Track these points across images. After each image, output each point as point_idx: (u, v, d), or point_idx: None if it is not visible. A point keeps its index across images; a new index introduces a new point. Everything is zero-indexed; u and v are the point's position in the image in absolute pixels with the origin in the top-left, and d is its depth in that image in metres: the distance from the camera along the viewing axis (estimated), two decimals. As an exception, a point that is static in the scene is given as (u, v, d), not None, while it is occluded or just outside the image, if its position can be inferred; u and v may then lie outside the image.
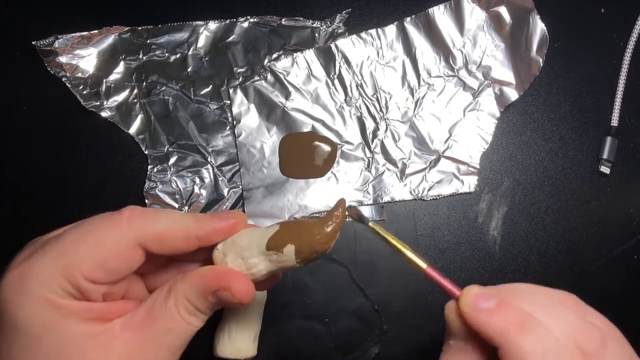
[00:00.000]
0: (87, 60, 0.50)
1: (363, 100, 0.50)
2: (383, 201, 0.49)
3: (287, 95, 0.50)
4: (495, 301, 0.25)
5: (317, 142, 0.50)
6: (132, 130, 0.49)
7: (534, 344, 0.23)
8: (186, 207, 0.48)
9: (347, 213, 0.29)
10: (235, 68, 0.51)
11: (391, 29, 0.51)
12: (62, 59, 0.49)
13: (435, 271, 0.28)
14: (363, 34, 0.51)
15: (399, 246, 0.28)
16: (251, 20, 0.52)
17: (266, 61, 0.51)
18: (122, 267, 0.26)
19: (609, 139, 0.49)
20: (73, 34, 0.50)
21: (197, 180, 0.49)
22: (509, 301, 0.25)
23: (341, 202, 0.29)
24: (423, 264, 0.28)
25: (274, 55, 0.51)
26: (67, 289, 0.25)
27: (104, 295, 0.27)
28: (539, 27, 0.49)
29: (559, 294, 0.26)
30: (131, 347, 0.26)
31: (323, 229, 0.28)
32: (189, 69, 0.51)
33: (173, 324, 0.27)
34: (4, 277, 0.25)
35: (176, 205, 0.48)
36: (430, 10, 0.50)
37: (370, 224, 0.30)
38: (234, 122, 0.50)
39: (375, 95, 0.50)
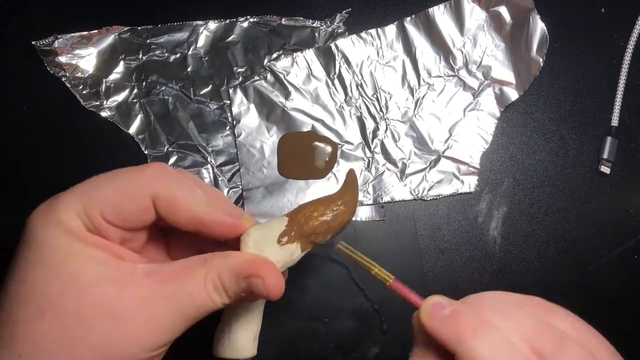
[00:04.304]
0: (86, 60, 0.50)
1: (363, 100, 0.50)
2: (383, 201, 0.49)
3: (287, 95, 0.50)
4: (450, 309, 0.26)
5: (317, 143, 0.50)
6: (132, 130, 0.49)
7: (486, 348, 0.24)
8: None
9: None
10: (235, 68, 0.51)
11: (391, 29, 0.51)
12: (62, 59, 0.49)
13: (401, 284, 0.29)
14: (363, 34, 0.51)
15: (366, 263, 0.31)
16: (251, 20, 0.52)
17: (266, 61, 0.51)
18: (135, 216, 0.28)
19: (609, 139, 0.49)
20: (73, 34, 0.49)
21: (197, 180, 0.49)
22: (466, 308, 0.26)
23: (351, 173, 0.33)
24: (389, 278, 0.30)
25: (274, 55, 0.51)
26: (87, 224, 0.27)
27: (122, 243, 0.29)
28: (539, 27, 0.49)
29: (520, 298, 0.27)
30: (146, 295, 0.27)
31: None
32: (188, 69, 0.51)
33: (195, 291, 0.28)
34: (36, 208, 0.28)
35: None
36: (430, 10, 0.50)
37: (338, 245, 0.32)
38: (234, 122, 0.50)
39: (375, 95, 0.50)
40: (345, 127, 0.50)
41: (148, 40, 0.51)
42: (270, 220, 0.31)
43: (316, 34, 0.52)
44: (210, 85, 0.51)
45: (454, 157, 0.49)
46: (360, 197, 0.49)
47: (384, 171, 0.49)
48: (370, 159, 0.49)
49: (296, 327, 0.46)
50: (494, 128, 0.50)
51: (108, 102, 0.49)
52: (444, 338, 0.26)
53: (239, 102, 0.50)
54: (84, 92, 0.49)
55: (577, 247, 0.48)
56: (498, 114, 0.50)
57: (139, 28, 0.51)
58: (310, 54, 0.51)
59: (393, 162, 0.49)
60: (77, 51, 0.50)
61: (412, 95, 0.51)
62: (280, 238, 0.30)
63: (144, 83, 0.50)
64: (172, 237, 0.34)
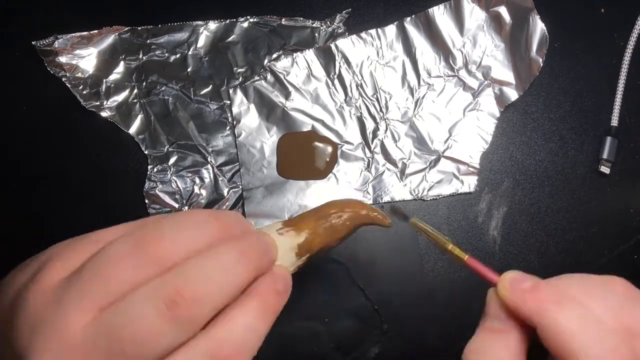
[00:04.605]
0: (87, 60, 0.50)
1: (363, 100, 0.50)
2: (383, 201, 0.49)
3: (287, 95, 0.50)
4: (531, 283, 0.25)
5: (317, 143, 0.50)
6: (132, 130, 0.49)
7: (570, 320, 0.23)
8: (186, 207, 0.48)
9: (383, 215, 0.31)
10: (235, 68, 0.51)
11: (391, 29, 0.51)
12: (62, 59, 0.49)
13: (476, 261, 0.29)
14: (363, 34, 0.51)
15: (441, 238, 0.30)
16: (251, 20, 0.52)
17: (266, 61, 0.51)
18: None
19: (609, 139, 0.49)
20: (73, 34, 0.50)
21: (197, 180, 0.49)
22: (547, 283, 0.25)
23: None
24: (463, 255, 0.29)
25: (274, 55, 0.51)
26: None
27: None
28: (538, 27, 0.49)
29: (602, 278, 0.26)
30: None
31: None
32: (188, 69, 0.51)
33: None
34: None
35: (176, 205, 0.48)
36: (430, 10, 0.50)
37: (412, 220, 0.31)
38: (234, 122, 0.50)
39: (375, 95, 0.50)
40: (345, 127, 0.50)
41: (148, 41, 0.51)
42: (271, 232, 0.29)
43: (316, 34, 0.52)
44: (211, 86, 0.51)
45: (453, 157, 0.49)
46: (360, 197, 0.49)
47: (384, 171, 0.49)
48: (370, 159, 0.49)
49: (296, 327, 0.46)
50: (493, 128, 0.50)
51: (108, 102, 0.49)
52: (525, 311, 0.25)
53: (239, 102, 0.50)
54: (84, 92, 0.49)
55: (577, 247, 0.48)
56: (498, 114, 0.50)
57: (139, 28, 0.51)
58: (310, 54, 0.51)
59: (393, 162, 0.49)
60: (77, 51, 0.50)
61: (412, 95, 0.51)
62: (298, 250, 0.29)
63: (144, 83, 0.50)
64: None
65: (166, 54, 0.51)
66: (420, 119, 0.50)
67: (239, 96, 0.50)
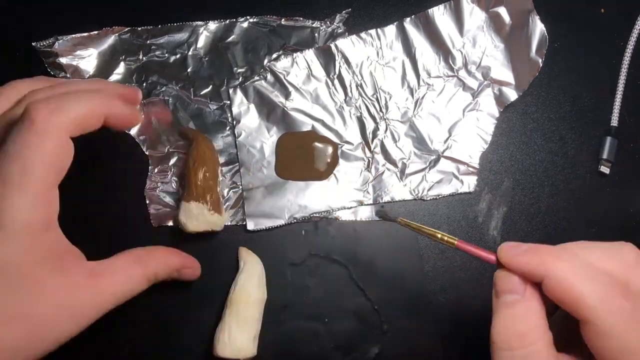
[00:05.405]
0: (87, 61, 0.50)
1: (363, 100, 0.50)
2: (383, 201, 0.49)
3: (287, 95, 0.50)
4: (527, 246, 0.28)
5: (317, 143, 0.50)
6: (133, 130, 0.49)
7: (572, 266, 0.25)
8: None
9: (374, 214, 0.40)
10: (235, 68, 0.51)
11: (391, 29, 0.51)
12: (63, 60, 0.49)
13: (466, 243, 0.31)
14: (363, 34, 0.51)
15: (429, 230, 0.34)
16: (251, 20, 0.52)
17: (266, 61, 0.51)
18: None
19: (608, 139, 0.49)
20: (73, 35, 0.50)
21: (197, 180, 0.49)
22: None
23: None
24: (454, 240, 0.32)
25: (274, 55, 0.51)
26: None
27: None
28: (538, 28, 0.49)
29: (616, 243, 0.28)
30: (93, 292, 0.33)
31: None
32: (188, 70, 0.51)
33: (134, 286, 0.36)
34: None
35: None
36: (430, 10, 0.51)
37: (398, 219, 0.36)
38: (234, 122, 0.50)
39: (375, 95, 0.50)
40: (345, 127, 0.50)
41: (148, 41, 0.51)
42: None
43: (316, 34, 0.52)
44: (210, 86, 0.51)
45: (453, 157, 0.49)
46: (360, 197, 0.49)
47: (384, 171, 0.49)
48: (370, 159, 0.50)
49: (296, 327, 0.46)
50: (493, 128, 0.50)
51: (108, 103, 0.49)
52: (530, 269, 0.26)
53: (239, 102, 0.50)
54: (85, 92, 0.49)
55: (577, 247, 0.48)
56: (497, 114, 0.50)
57: (139, 29, 0.51)
58: (310, 54, 0.51)
59: (393, 162, 0.49)
60: (77, 52, 0.50)
61: (412, 95, 0.51)
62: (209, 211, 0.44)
63: (144, 84, 0.50)
64: None
65: (166, 55, 0.51)
66: (420, 119, 0.50)
67: (238, 96, 0.50)
